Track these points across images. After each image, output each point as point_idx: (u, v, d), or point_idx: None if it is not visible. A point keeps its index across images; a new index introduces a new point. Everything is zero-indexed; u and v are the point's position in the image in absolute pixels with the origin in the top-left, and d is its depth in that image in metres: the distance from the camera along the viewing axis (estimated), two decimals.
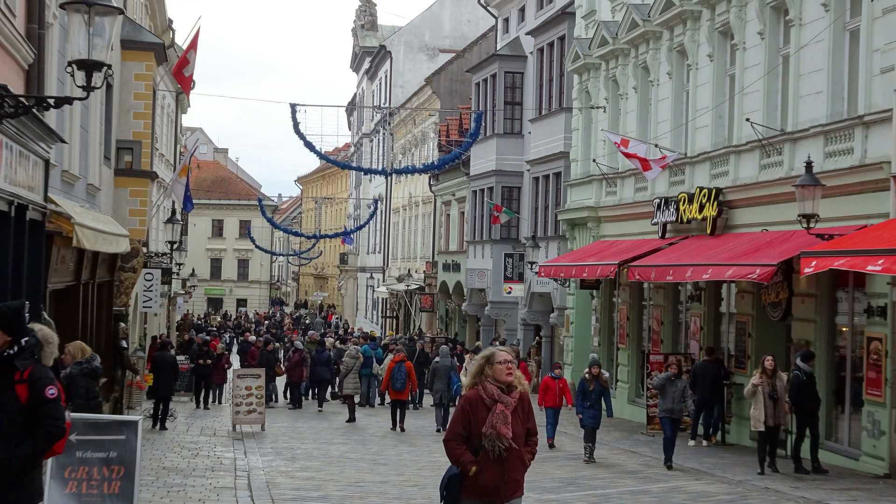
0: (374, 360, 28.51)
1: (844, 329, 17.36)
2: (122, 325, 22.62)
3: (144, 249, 24.17)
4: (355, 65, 67.83)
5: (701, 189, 20.93)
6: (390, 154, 54.60)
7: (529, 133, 33.47)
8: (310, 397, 29.02)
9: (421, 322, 46.21)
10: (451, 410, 19.12)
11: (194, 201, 35.73)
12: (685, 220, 21.55)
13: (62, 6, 9.08)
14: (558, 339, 30.85)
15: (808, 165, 16.14)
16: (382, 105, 55.62)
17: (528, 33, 33.60)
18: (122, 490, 8.74)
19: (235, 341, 45.86)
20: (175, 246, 31.00)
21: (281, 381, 29.44)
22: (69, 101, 9.45)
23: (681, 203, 21.69)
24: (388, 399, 25.04)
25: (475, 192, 37.20)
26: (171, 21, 33.85)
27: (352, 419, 24.27)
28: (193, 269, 59.65)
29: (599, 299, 27.23)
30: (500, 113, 34.80)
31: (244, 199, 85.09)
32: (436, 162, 35.20)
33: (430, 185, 45.13)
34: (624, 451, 19.17)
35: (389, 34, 58.38)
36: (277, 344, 34.54)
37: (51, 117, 12.98)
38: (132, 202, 22.60)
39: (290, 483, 14.62)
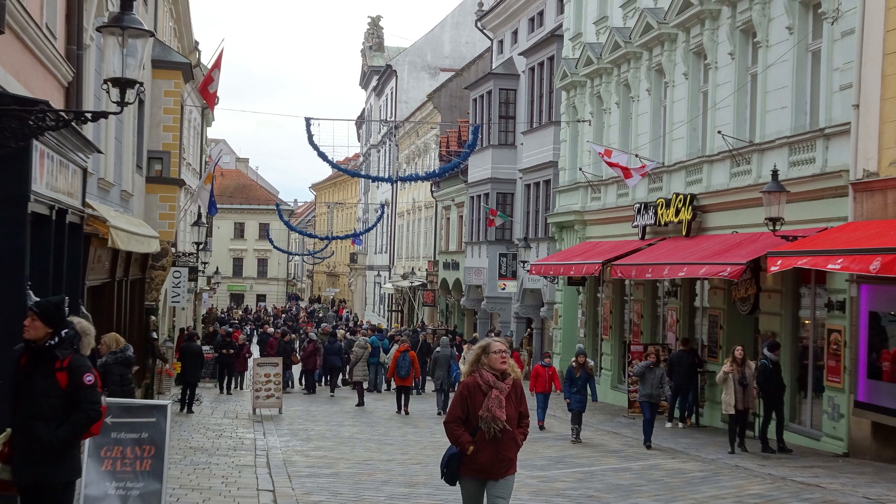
0: (381, 349, 28.50)
1: (807, 322, 17.35)
2: (153, 318, 22.61)
3: (173, 250, 24.14)
4: (364, 82, 67.77)
5: (677, 195, 20.93)
6: (396, 163, 54.57)
7: (522, 144, 33.45)
8: (323, 384, 28.99)
9: (423, 315, 46.19)
10: (451, 396, 19.13)
11: (218, 206, 35.80)
12: (663, 223, 21.54)
13: (98, 29, 9.07)
14: (548, 330, 30.83)
15: (774, 173, 16.15)
16: (388, 119, 55.57)
17: (520, 54, 33.58)
18: (153, 468, 8.74)
19: (255, 333, 45.89)
20: (201, 246, 31.01)
21: (297, 369, 29.45)
22: (105, 115, 9.42)
23: (659, 208, 21.68)
24: (393, 385, 25.03)
25: (472, 197, 37.18)
26: (197, 43, 33.84)
27: (361, 403, 24.27)
28: (217, 268, 59.72)
29: (585, 295, 27.22)
30: (495, 126, 34.76)
31: (263, 204, 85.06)
32: (437, 170, 35.18)
33: (432, 192, 45.10)
34: (607, 432, 19.15)
35: (395, 54, 58.31)
36: (293, 335, 34.52)
37: (88, 130, 12.96)
38: (162, 207, 22.63)
39: (305, 461, 14.60)
